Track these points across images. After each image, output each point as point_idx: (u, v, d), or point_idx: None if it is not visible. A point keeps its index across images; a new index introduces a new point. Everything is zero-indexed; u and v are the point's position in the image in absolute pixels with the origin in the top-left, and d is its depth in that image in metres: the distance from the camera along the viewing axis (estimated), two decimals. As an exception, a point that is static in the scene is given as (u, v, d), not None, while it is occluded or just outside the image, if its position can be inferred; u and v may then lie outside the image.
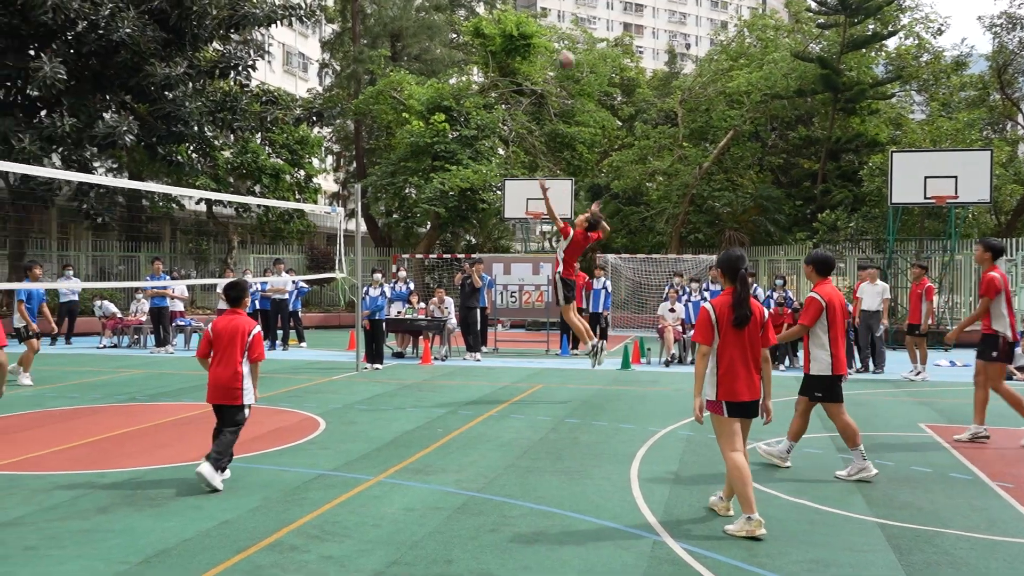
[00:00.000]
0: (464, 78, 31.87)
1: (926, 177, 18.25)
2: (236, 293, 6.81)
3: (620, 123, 33.62)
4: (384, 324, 15.45)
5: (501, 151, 29.81)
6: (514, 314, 19.62)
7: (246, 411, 6.65)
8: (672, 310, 15.91)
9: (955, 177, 18.05)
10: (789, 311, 14.65)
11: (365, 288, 15.00)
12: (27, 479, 6.65)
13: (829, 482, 6.75)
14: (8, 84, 20.87)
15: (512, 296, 18.80)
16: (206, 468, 6.32)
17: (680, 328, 15.82)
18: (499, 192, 25.15)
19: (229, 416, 6.60)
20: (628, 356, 15.03)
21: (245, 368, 6.61)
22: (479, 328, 16.68)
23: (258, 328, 6.79)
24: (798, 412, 7.09)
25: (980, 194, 18.11)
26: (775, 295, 15.17)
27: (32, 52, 20.20)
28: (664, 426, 9.18)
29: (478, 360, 15.99)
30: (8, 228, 24.87)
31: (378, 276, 15.66)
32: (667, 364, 15.40)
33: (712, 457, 7.58)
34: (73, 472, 6.90)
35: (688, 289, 16.29)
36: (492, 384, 12.67)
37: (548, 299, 18.35)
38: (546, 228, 33.19)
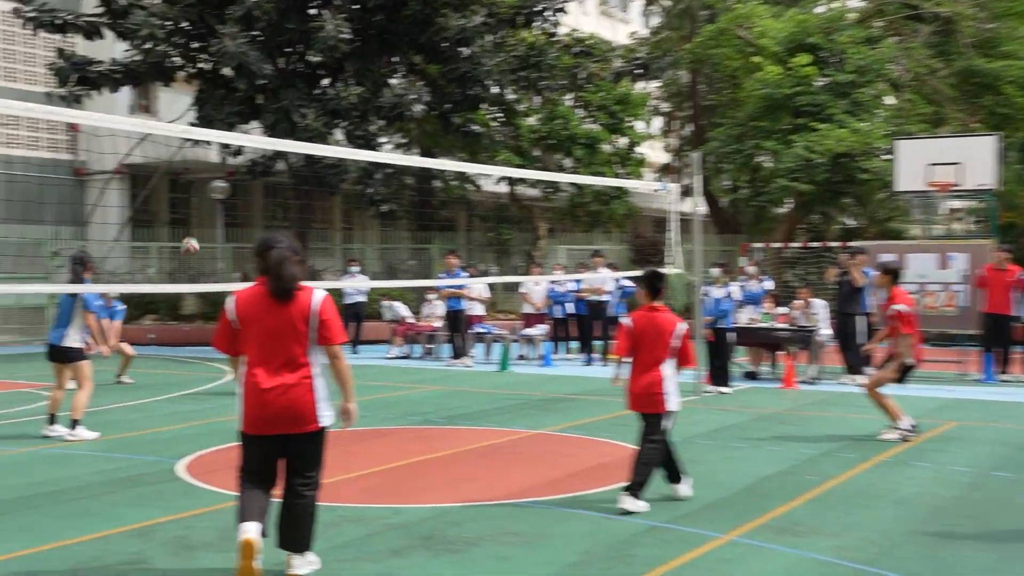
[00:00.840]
0: (836, 4, 30.67)
1: None
2: (660, 283, 7.69)
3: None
4: (732, 335, 15.27)
5: (890, 100, 28.27)
6: (911, 323, 18.53)
7: (670, 420, 7.55)
8: None
9: None
10: None
11: (705, 288, 14.95)
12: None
13: None
14: (288, 50, 23.44)
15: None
16: (628, 503, 7.23)
17: None
18: (888, 158, 23.90)
19: (652, 426, 7.47)
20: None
21: (669, 370, 7.48)
22: (862, 341, 15.94)
23: (685, 326, 7.57)
24: None
25: None
26: None
27: (314, 11, 22.51)
28: None
29: (861, 385, 15.29)
30: (289, 217, 28.00)
31: (716, 271, 15.53)
32: None
33: None
34: (364, 505, 7.56)
35: None
36: (883, 419, 12.05)
37: (963, 302, 17.14)
38: (956, 204, 31.01)
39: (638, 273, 15.60)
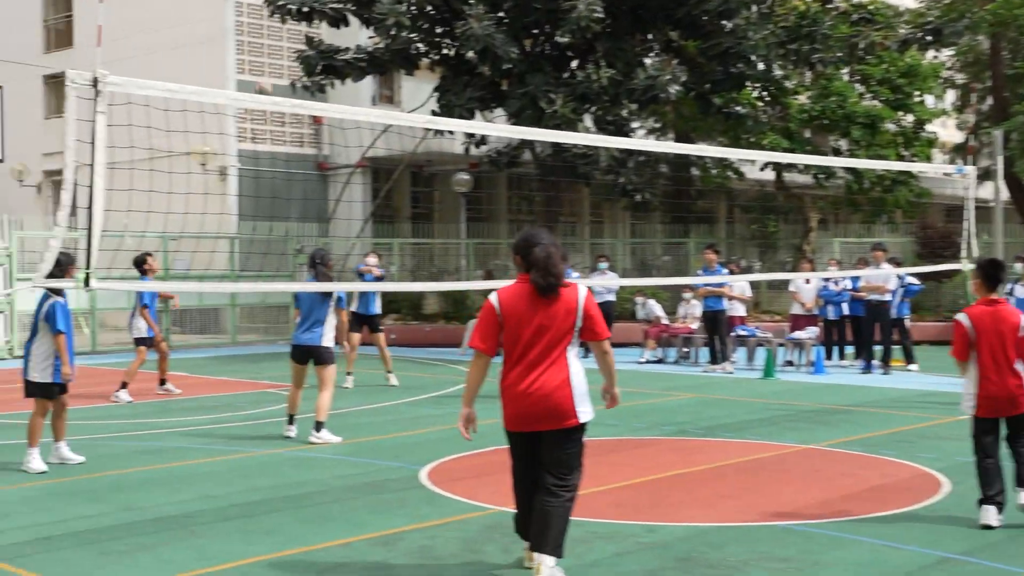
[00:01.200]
0: None
1: None
2: (999, 273, 7.59)
3: None
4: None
5: None
6: None
7: None
8: None
9: None
10: None
11: (1009, 285, 14.21)
12: (564, 524, 7.53)
13: None
14: (535, 31, 23.89)
15: None
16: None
17: None
18: None
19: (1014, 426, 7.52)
20: None
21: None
22: None
23: None
24: None
25: None
26: None
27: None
28: None
29: None
30: (534, 211, 28.54)
31: (1020, 267, 14.74)
32: None
33: None
34: (616, 521, 7.64)
35: None
36: None
37: None
38: None
39: (926, 269, 14.97)
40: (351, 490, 8.83)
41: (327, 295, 10.94)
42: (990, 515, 7.31)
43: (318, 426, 11.06)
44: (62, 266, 8.78)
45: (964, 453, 10.12)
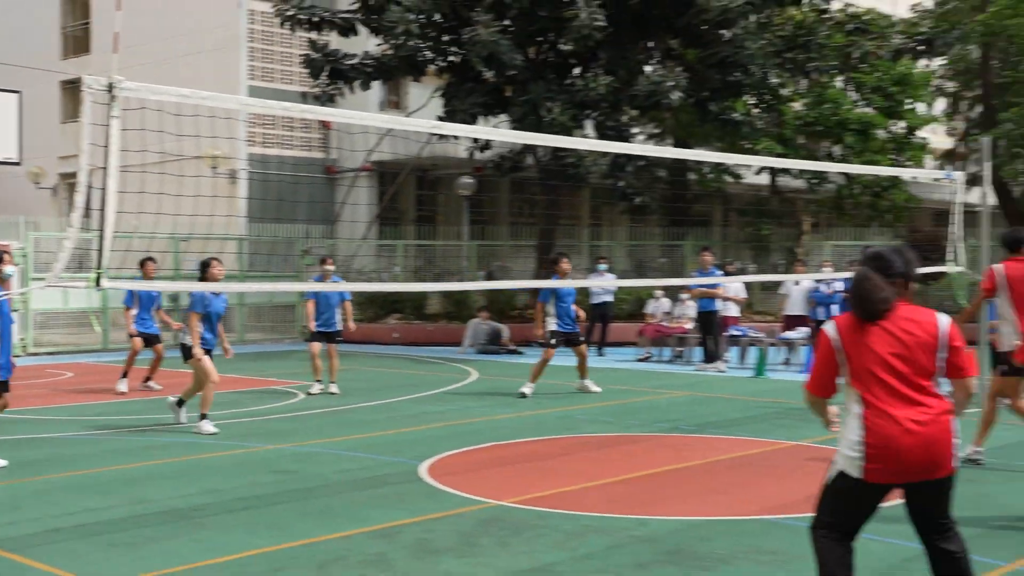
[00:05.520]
0: None
1: None
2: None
3: None
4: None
5: None
6: None
7: None
8: None
9: None
10: None
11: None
12: (558, 518, 7.55)
13: None
14: (540, 39, 23.90)
15: None
16: None
17: None
18: None
19: None
20: None
21: None
22: None
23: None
24: None
25: None
26: None
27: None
28: None
29: None
30: (535, 214, 28.56)
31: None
32: None
33: None
34: (609, 515, 7.65)
35: None
36: None
37: None
38: None
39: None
40: (352, 484, 8.85)
41: None
42: None
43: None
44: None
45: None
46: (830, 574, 4.91)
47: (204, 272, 11.38)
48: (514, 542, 6.89)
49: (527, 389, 14.48)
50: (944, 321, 4.82)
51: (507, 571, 6.29)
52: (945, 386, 4.86)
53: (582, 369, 15.04)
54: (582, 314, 15.45)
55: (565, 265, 14.92)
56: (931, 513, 4.96)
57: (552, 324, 14.66)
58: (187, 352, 11.48)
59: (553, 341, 14.63)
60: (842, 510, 4.98)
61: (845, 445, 4.89)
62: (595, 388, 14.98)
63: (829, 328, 4.92)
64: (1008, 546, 6.87)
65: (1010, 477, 9.18)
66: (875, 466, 4.77)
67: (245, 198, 28.04)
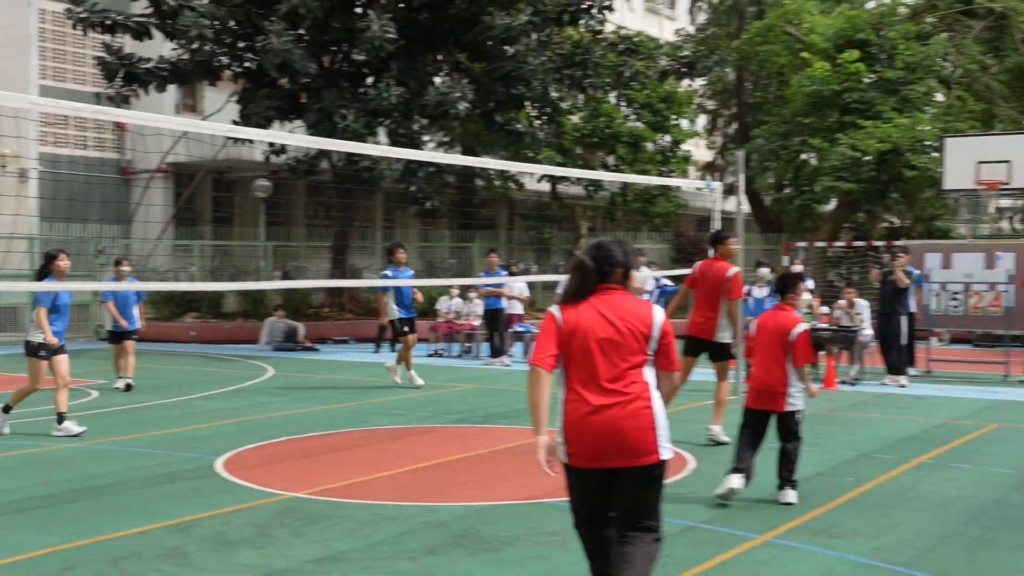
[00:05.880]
0: (888, 0, 30.41)
1: None
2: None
3: None
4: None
5: (940, 97, 27.98)
6: (956, 323, 18.35)
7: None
8: None
9: None
10: None
11: (747, 287, 14.90)
12: (352, 508, 7.49)
13: None
14: (334, 49, 23.65)
15: (954, 299, 17.59)
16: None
17: None
18: (936, 155, 23.66)
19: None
20: None
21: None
22: (905, 343, 15.85)
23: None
24: None
25: None
26: None
27: (359, 10, 22.70)
28: None
29: (903, 386, 15.24)
30: (331, 217, 28.26)
31: (765, 271, 15.45)
32: None
33: None
34: (401, 503, 7.65)
35: None
36: (924, 420, 11.99)
37: (1009, 303, 16.96)
38: (1005, 203, 30.62)
39: (680, 272, 15.60)
40: (147, 480, 8.52)
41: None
42: (732, 480, 7.62)
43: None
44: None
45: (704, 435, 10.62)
46: (592, 563, 4.85)
47: (49, 264, 10.70)
48: (308, 532, 6.79)
49: (417, 379, 14.81)
50: (659, 314, 4.71)
51: (302, 560, 6.19)
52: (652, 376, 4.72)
53: (407, 359, 15.04)
54: (419, 296, 15.52)
55: (401, 255, 15.19)
56: (632, 506, 4.69)
57: (394, 312, 14.81)
58: (34, 349, 10.58)
59: (406, 329, 14.81)
60: (576, 499, 4.82)
61: (557, 433, 4.71)
62: (419, 381, 14.96)
63: (555, 310, 4.75)
64: (759, 520, 7.20)
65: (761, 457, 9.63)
66: (573, 450, 4.63)
67: (36, 197, 26.54)
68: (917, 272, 16.84)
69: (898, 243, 19.47)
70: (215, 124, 11.18)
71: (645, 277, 18.74)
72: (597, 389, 4.60)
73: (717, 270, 10.59)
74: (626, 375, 4.61)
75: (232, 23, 22.54)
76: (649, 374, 4.68)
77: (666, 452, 4.61)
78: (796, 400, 7.75)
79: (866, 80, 26.30)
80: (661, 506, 4.73)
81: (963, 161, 19.48)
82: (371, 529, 6.90)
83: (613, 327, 4.62)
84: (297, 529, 6.86)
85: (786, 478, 7.76)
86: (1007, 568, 6.12)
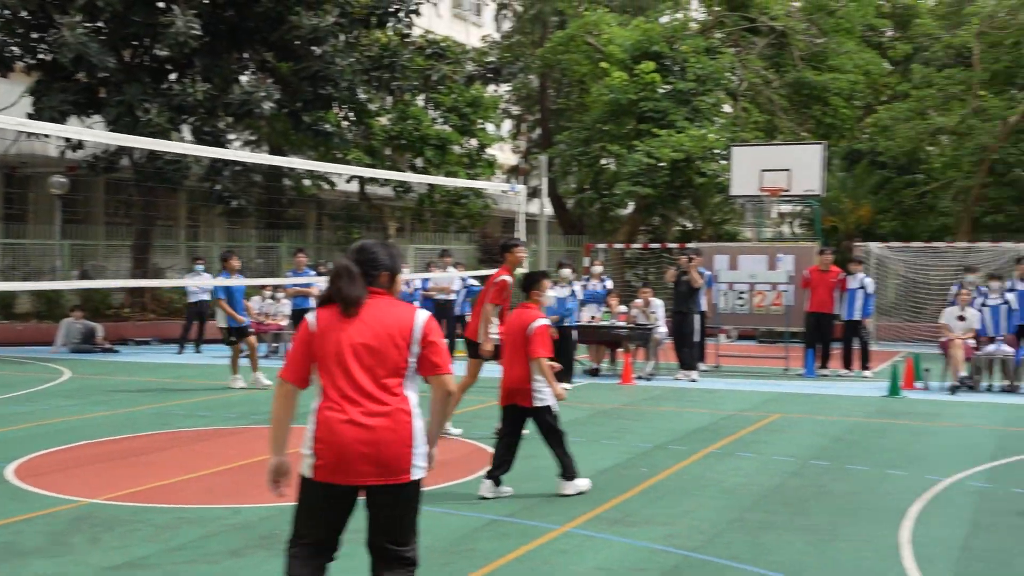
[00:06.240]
0: (680, 15, 31.61)
1: None
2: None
3: (891, 67, 32.21)
4: (574, 332, 15.56)
5: (727, 108, 29.31)
6: (742, 321, 19.27)
7: None
8: (962, 318, 15.19)
9: None
10: None
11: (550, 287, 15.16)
12: (153, 512, 7.24)
13: None
14: (135, 43, 22.71)
15: (740, 298, 18.46)
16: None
17: (973, 342, 15.15)
18: (724, 162, 24.78)
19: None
20: (898, 379, 14.43)
21: None
22: (696, 339, 16.52)
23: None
24: None
25: None
26: None
27: (162, 4, 21.90)
28: (949, 474, 8.73)
29: (694, 381, 15.85)
30: (132, 215, 27.15)
31: (566, 272, 15.76)
32: (953, 391, 14.67)
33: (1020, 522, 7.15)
34: (204, 506, 7.44)
35: (984, 289, 15.71)
36: (713, 412, 12.52)
37: (788, 301, 17.92)
38: (785, 208, 32.32)
39: (486, 272, 15.76)
40: (-69, 490, 7.98)
41: None
42: (482, 488, 7.78)
43: None
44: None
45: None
46: None
47: None
48: (106, 538, 6.52)
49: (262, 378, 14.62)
50: (421, 316, 4.38)
51: (99, 567, 5.94)
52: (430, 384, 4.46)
53: (253, 360, 14.90)
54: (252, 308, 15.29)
55: (235, 262, 14.97)
56: (386, 530, 4.36)
57: (223, 321, 14.63)
58: None
59: (233, 338, 14.67)
60: (305, 518, 4.37)
61: (303, 444, 4.32)
62: (266, 381, 14.58)
63: (310, 316, 4.39)
64: (559, 512, 7.35)
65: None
66: (322, 462, 4.24)
67: None
68: (708, 273, 17.59)
69: (690, 245, 20.29)
70: (6, 118, 10.53)
71: (452, 277, 18.88)
72: (354, 398, 4.25)
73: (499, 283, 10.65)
74: (385, 385, 4.28)
75: (24, 13, 21.35)
76: (411, 387, 4.37)
77: (419, 471, 4.32)
78: (544, 395, 7.79)
79: (660, 91, 27.27)
80: (417, 528, 4.42)
81: (748, 169, 20.43)
82: (173, 533, 6.69)
83: (372, 332, 4.29)
84: (94, 536, 6.57)
85: (560, 472, 7.86)
86: (786, 550, 6.47)
